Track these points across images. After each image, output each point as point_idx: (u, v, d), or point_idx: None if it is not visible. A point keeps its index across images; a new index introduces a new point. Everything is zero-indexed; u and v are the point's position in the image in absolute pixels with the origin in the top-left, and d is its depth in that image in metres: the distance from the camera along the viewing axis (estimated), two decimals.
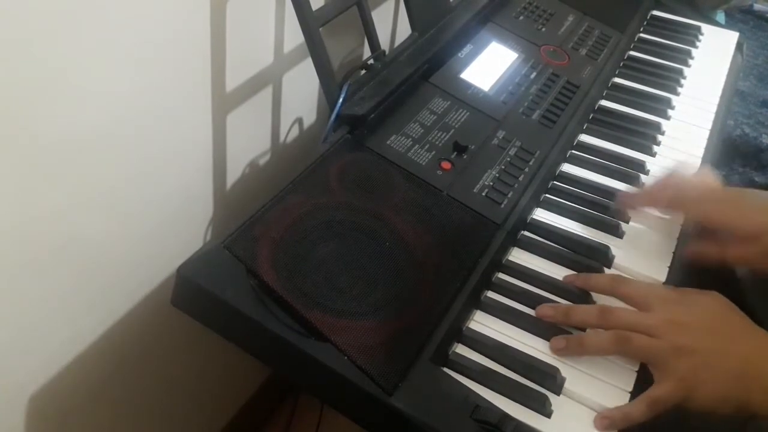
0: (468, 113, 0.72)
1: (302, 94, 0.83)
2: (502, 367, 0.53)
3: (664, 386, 0.51)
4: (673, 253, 0.66)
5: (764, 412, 0.50)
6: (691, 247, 0.65)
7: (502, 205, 0.64)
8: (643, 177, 0.75)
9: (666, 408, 0.51)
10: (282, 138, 0.82)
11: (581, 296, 0.59)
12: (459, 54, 0.80)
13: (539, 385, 0.52)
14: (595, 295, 0.60)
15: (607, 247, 0.64)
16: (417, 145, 0.66)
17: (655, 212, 0.68)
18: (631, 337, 0.53)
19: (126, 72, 0.54)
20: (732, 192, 0.66)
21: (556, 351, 0.55)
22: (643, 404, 0.51)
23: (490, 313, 0.57)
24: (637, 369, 0.54)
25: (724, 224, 0.62)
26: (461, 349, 0.54)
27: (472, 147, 0.68)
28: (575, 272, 0.61)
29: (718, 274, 0.62)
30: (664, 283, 0.63)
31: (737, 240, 0.61)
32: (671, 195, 0.66)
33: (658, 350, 0.52)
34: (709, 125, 0.86)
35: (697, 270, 0.64)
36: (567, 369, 0.53)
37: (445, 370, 0.52)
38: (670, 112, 0.87)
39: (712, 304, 0.56)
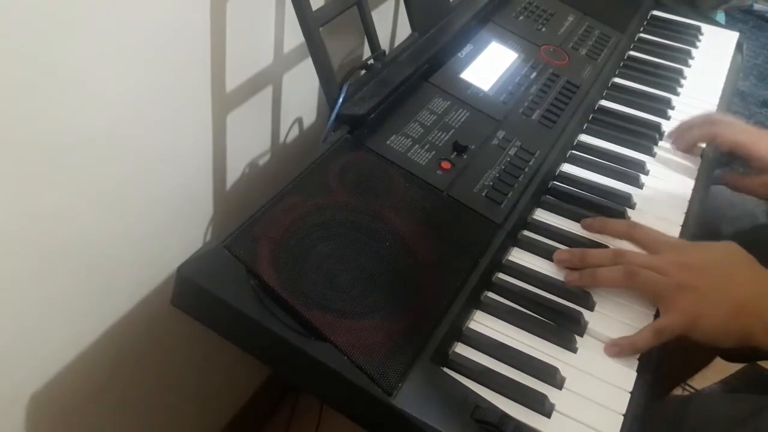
0: (468, 113, 0.72)
1: (302, 94, 0.83)
2: (502, 367, 0.53)
3: (669, 317, 0.55)
4: None
5: (763, 345, 0.53)
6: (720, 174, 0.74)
7: (502, 205, 0.64)
8: (643, 177, 0.75)
9: (670, 337, 0.55)
10: (282, 138, 0.82)
11: (581, 295, 0.59)
12: (459, 54, 0.80)
13: (539, 384, 0.52)
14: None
15: (607, 247, 0.64)
16: (417, 145, 0.66)
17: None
18: (639, 272, 0.57)
19: (126, 72, 0.54)
20: (760, 130, 0.74)
21: (570, 282, 0.59)
22: (648, 333, 0.55)
23: (490, 313, 0.57)
24: (637, 369, 0.54)
25: (750, 152, 0.72)
26: (461, 349, 0.54)
27: (472, 147, 0.68)
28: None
29: None
30: None
31: (757, 171, 0.71)
32: (708, 127, 0.76)
33: (664, 285, 0.56)
34: None
35: None
36: (567, 368, 0.54)
37: (445, 370, 0.52)
38: (670, 112, 0.87)
39: (722, 250, 0.60)
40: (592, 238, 0.66)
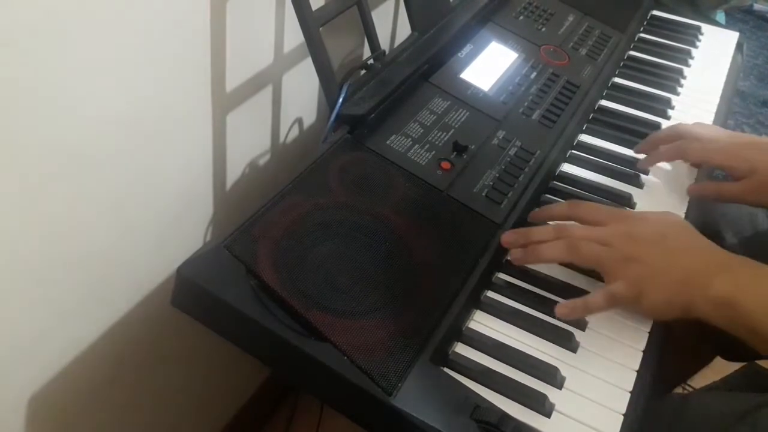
0: (468, 113, 0.72)
1: (302, 94, 0.83)
2: (502, 367, 0.53)
3: (618, 285, 0.56)
4: None
5: (704, 316, 0.53)
6: (692, 186, 0.73)
7: (502, 205, 0.64)
8: (643, 177, 0.75)
9: (619, 305, 0.56)
10: (282, 138, 0.82)
11: (581, 293, 0.59)
12: (459, 54, 0.80)
13: (539, 384, 0.52)
14: None
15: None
16: (417, 145, 0.66)
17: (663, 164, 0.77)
18: (581, 245, 0.58)
19: (125, 72, 0.54)
20: (730, 138, 0.73)
21: (515, 260, 0.60)
22: (600, 296, 0.56)
23: (490, 313, 0.57)
24: (637, 369, 0.54)
25: (721, 165, 0.70)
26: (461, 349, 0.54)
27: (472, 147, 0.68)
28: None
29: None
30: None
31: (732, 179, 0.69)
32: (677, 146, 0.73)
33: (607, 257, 0.57)
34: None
35: None
36: (567, 368, 0.54)
37: (445, 370, 0.52)
38: (670, 112, 0.87)
39: (664, 220, 0.60)
40: None
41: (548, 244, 0.59)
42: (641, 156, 0.76)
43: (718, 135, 0.73)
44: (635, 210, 0.71)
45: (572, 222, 0.62)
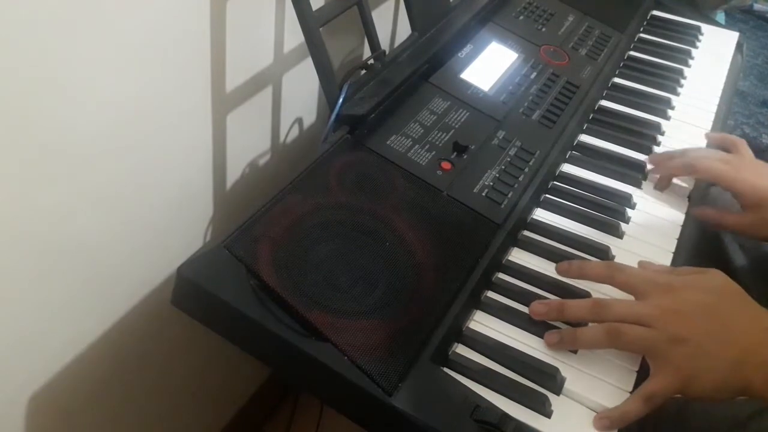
0: (468, 113, 0.72)
1: (302, 94, 0.83)
2: (502, 367, 0.53)
3: (660, 379, 0.50)
4: (673, 253, 0.66)
5: (765, 397, 0.49)
6: (697, 209, 0.70)
7: (502, 205, 0.64)
8: (642, 177, 0.75)
9: (663, 401, 0.50)
10: (282, 138, 0.82)
11: (582, 295, 0.59)
12: (459, 54, 0.80)
13: (539, 385, 0.52)
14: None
15: (607, 248, 0.65)
16: (417, 145, 0.66)
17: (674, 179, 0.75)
18: (623, 330, 0.52)
19: (126, 72, 0.54)
20: (747, 162, 0.70)
21: (550, 346, 0.55)
22: (639, 401, 0.50)
23: (490, 313, 0.57)
24: (637, 369, 0.54)
25: (732, 187, 0.68)
26: (461, 349, 0.54)
27: (472, 147, 0.68)
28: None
29: (716, 264, 0.61)
30: None
31: (742, 206, 0.67)
32: (690, 159, 0.71)
33: (652, 341, 0.51)
34: (709, 125, 0.86)
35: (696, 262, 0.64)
36: (567, 369, 0.53)
37: (445, 370, 0.52)
38: (669, 112, 0.87)
39: (711, 286, 0.54)
40: (590, 238, 0.66)
41: (587, 331, 0.54)
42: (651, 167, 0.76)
43: (725, 155, 0.71)
44: (638, 211, 0.71)
45: (606, 287, 0.58)
